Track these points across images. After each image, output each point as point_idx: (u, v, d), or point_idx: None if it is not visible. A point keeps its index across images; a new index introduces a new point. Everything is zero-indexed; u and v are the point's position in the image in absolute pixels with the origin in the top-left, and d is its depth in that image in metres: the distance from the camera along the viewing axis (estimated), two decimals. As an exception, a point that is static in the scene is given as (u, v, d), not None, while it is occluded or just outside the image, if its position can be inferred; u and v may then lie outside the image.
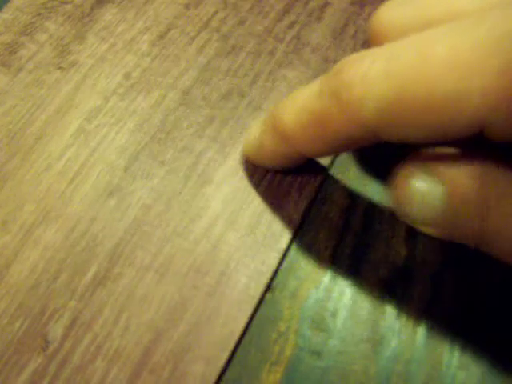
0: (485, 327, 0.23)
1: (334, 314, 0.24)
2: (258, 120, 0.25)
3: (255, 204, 0.26)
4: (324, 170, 0.26)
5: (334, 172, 0.26)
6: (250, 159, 0.26)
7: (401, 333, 0.23)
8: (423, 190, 0.20)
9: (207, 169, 0.26)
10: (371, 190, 0.26)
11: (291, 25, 0.31)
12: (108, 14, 0.32)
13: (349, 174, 0.26)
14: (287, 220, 0.25)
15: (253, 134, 0.25)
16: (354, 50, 0.30)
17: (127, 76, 0.30)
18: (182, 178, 0.26)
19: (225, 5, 0.32)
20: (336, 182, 0.26)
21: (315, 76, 0.29)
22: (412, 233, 0.24)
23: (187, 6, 0.32)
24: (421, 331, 0.23)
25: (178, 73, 0.30)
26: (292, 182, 0.26)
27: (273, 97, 0.29)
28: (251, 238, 0.25)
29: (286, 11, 0.32)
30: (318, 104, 0.19)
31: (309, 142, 0.21)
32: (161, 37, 0.31)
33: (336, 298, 0.24)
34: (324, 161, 0.26)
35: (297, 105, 0.20)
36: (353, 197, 0.26)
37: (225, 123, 0.28)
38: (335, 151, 0.22)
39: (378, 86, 0.17)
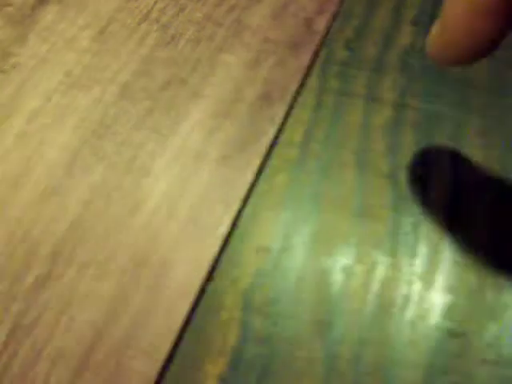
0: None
1: (277, 300, 0.23)
2: None
3: (195, 193, 0.25)
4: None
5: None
6: (435, 54, 0.21)
7: (347, 314, 0.22)
8: None
9: (147, 161, 0.26)
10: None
11: (231, 9, 0.31)
12: (49, 14, 0.31)
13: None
14: (227, 208, 0.24)
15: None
16: (295, 28, 0.30)
17: (68, 74, 0.29)
18: (121, 172, 0.26)
19: (165, -6, 0.31)
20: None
21: (256, 58, 0.29)
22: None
23: (127, -1, 0.32)
24: (368, 311, 0.22)
25: (117, 67, 0.29)
26: (230, 170, 0.25)
27: (213, 82, 0.28)
28: (191, 228, 0.24)
29: (225, -5, 0.31)
30: None
31: None
32: (101, 32, 0.31)
33: (279, 284, 0.24)
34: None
35: None
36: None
37: (165, 113, 0.27)
38: None
39: None
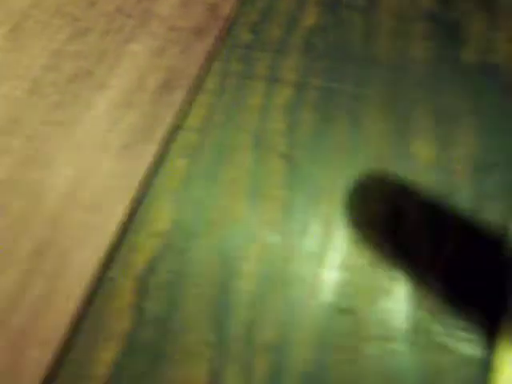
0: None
1: (171, 284, 0.23)
2: None
3: (96, 182, 0.25)
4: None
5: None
6: None
7: (240, 295, 0.22)
8: None
9: (52, 153, 0.26)
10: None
11: (140, 0, 0.31)
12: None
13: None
14: (127, 195, 0.25)
15: None
16: (201, 14, 0.30)
17: (-20, 72, 0.29)
18: (26, 166, 0.26)
19: (78, -12, 0.32)
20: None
21: (162, 47, 0.29)
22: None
23: (41, -5, 0.32)
24: (261, 292, 0.22)
25: (29, 63, 0.29)
26: (130, 158, 0.25)
27: (119, 72, 0.28)
28: (91, 217, 0.24)
29: (136, -14, 0.31)
30: None
31: None
32: (14, 29, 0.31)
33: (174, 268, 0.23)
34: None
35: None
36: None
37: (71, 106, 0.28)
38: None
39: None
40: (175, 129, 0.26)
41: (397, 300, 0.21)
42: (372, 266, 0.22)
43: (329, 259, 0.22)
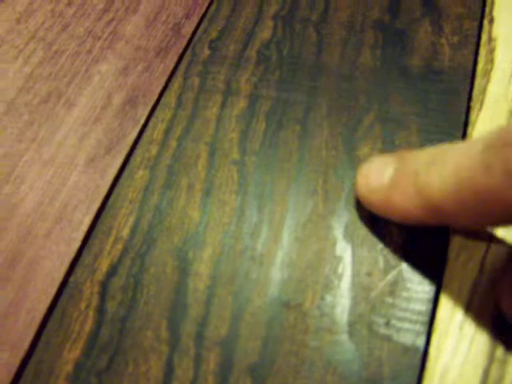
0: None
1: (130, 287, 0.25)
2: (375, 157, 0.23)
3: (63, 195, 0.27)
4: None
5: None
6: (363, 202, 0.24)
7: (191, 293, 0.25)
8: None
9: (24, 170, 0.28)
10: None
11: (110, 22, 0.33)
12: None
13: None
14: (91, 205, 0.27)
15: (372, 177, 0.22)
16: (164, 34, 0.32)
17: (-40, 97, 0.32)
18: (1, 182, 0.28)
19: (52, 13, 0.34)
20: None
21: (126, 66, 0.31)
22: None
23: (18, 21, 0.34)
24: (211, 290, 0.25)
25: (4, 85, 0.32)
26: (95, 170, 0.28)
27: (87, 92, 0.30)
28: (58, 227, 0.26)
29: (105, 10, 0.34)
30: (485, 180, 0.16)
31: (465, 217, 0.18)
32: (-8, 55, 0.33)
33: (133, 271, 0.26)
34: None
35: (450, 174, 0.17)
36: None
37: (43, 124, 0.30)
38: (495, 225, 0.18)
39: None
40: (137, 143, 0.28)
41: (340, 294, 0.23)
42: (318, 263, 0.24)
43: (277, 258, 0.24)
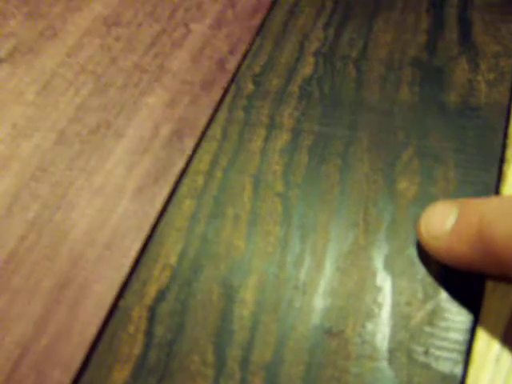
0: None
1: (178, 312, 0.26)
2: (439, 202, 0.24)
3: (113, 222, 0.29)
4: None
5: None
6: (425, 247, 0.24)
7: (237, 320, 0.26)
8: None
9: (74, 197, 0.30)
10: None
11: (156, 56, 0.35)
12: (1, 72, 0.36)
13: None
14: (139, 233, 0.29)
15: (434, 222, 0.23)
16: (209, 68, 0.33)
17: (14, 126, 0.33)
18: (53, 209, 0.30)
19: (101, 48, 0.36)
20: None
21: (173, 99, 0.32)
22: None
23: (69, 55, 0.36)
24: (256, 318, 0.26)
25: (56, 116, 0.33)
26: (143, 199, 0.29)
27: (135, 123, 0.32)
28: (108, 253, 0.28)
29: (152, 44, 0.35)
30: None
31: None
32: (45, 86, 0.35)
33: (181, 297, 0.27)
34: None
35: None
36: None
37: (93, 154, 0.31)
38: None
39: None
40: (184, 173, 0.30)
41: (380, 323, 0.24)
42: (359, 292, 0.25)
43: (319, 287, 0.25)
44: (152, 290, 0.26)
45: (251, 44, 0.34)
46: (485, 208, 0.20)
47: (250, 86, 0.32)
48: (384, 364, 0.23)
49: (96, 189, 0.29)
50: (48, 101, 0.33)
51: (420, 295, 0.24)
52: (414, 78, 0.32)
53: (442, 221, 0.22)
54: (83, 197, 0.29)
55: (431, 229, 0.23)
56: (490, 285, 0.24)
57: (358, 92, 0.31)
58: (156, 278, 0.26)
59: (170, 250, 0.27)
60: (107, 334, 0.25)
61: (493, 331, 0.22)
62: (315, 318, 0.24)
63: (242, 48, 0.34)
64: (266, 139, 0.30)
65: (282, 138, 0.30)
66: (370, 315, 0.24)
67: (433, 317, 0.23)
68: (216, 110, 0.31)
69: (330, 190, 0.28)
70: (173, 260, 0.27)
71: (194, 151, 0.30)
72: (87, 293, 0.26)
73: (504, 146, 0.28)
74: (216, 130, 0.31)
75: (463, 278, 0.24)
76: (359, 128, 0.30)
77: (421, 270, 0.25)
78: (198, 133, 0.30)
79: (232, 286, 0.25)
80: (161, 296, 0.26)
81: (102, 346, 0.25)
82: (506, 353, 0.22)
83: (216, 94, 0.32)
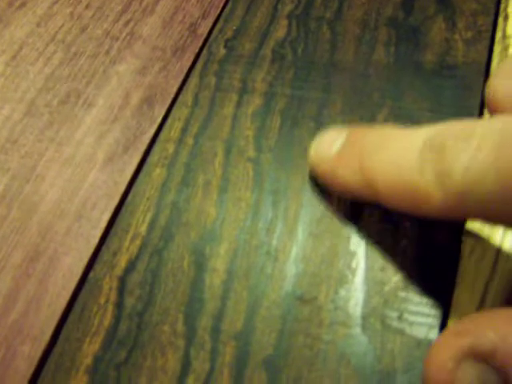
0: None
1: (148, 283, 0.26)
2: (330, 129, 0.25)
3: (82, 193, 0.28)
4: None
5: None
6: (312, 170, 0.26)
7: (208, 289, 0.25)
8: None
9: (44, 169, 0.29)
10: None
11: (127, 23, 0.34)
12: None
13: None
14: (109, 203, 0.28)
15: (323, 147, 0.24)
16: (181, 34, 0.32)
17: (-17, 98, 0.33)
18: (22, 181, 0.29)
19: (71, 17, 0.35)
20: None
21: (144, 66, 0.32)
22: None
23: (38, 24, 0.35)
24: (227, 286, 0.26)
25: (26, 86, 0.33)
26: (113, 169, 0.29)
27: (105, 92, 0.31)
28: (77, 224, 0.27)
29: (123, 11, 0.34)
30: (418, 180, 0.17)
31: (398, 203, 0.19)
32: (14, 56, 0.34)
33: (151, 267, 0.26)
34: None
35: (390, 163, 0.19)
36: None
37: (62, 124, 0.31)
38: (425, 217, 0.19)
39: (484, 181, 0.15)
40: (154, 141, 0.29)
41: (354, 288, 0.23)
42: (332, 258, 0.24)
43: (291, 253, 0.24)
44: (122, 261, 0.25)
45: (223, 8, 0.33)
46: (368, 138, 0.20)
47: (222, 51, 0.31)
48: (357, 330, 0.22)
49: (66, 159, 0.29)
50: (17, 71, 0.33)
51: (395, 260, 0.23)
52: (389, 38, 0.31)
53: (330, 144, 0.23)
54: (53, 168, 0.29)
55: (319, 151, 0.24)
56: (467, 248, 0.23)
57: (332, 54, 0.30)
58: (126, 248, 0.26)
59: (140, 220, 0.26)
60: (77, 306, 0.25)
61: (470, 295, 0.22)
62: (287, 285, 0.23)
63: (214, 12, 0.33)
64: (238, 104, 0.29)
65: (255, 103, 0.29)
66: (343, 281, 0.23)
67: (407, 282, 0.23)
68: (187, 75, 0.31)
69: (304, 154, 0.27)
70: (143, 229, 0.26)
71: (165, 119, 0.29)
72: (57, 265, 0.26)
73: (482, 105, 0.27)
74: (187, 97, 0.30)
75: (439, 243, 0.23)
76: (333, 90, 0.29)
77: (395, 235, 0.24)
78: (168, 100, 0.30)
79: (203, 254, 0.25)
80: (131, 266, 0.25)
81: (72, 318, 0.24)
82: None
83: (187, 60, 0.31)
